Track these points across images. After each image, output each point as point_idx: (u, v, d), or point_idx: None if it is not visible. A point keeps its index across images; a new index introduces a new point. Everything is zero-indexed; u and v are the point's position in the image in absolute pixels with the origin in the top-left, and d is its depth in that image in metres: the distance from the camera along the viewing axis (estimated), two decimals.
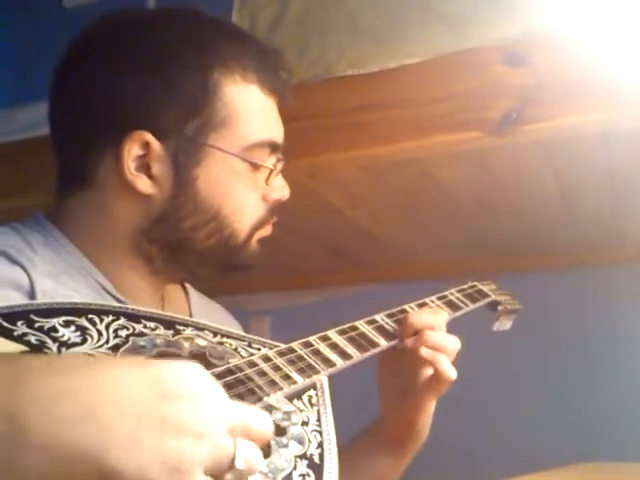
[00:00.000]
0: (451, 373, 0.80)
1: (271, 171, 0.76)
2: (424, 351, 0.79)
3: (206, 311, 0.87)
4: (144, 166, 0.71)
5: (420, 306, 0.86)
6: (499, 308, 0.98)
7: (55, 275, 0.68)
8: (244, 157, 0.73)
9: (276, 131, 0.77)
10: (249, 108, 0.73)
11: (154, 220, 0.72)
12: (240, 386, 0.60)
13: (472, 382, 1.54)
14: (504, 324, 1.00)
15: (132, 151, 0.70)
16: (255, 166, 0.74)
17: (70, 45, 0.75)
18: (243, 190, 0.74)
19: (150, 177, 0.71)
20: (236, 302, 1.78)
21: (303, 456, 0.58)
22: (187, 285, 0.88)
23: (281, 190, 0.79)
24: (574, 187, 1.23)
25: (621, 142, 1.04)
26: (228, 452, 0.44)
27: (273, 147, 0.76)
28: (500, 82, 0.97)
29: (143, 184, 0.71)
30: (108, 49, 0.73)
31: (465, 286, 0.97)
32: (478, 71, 0.98)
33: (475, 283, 0.99)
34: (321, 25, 1.10)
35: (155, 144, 0.70)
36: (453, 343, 0.81)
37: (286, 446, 0.58)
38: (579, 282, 1.53)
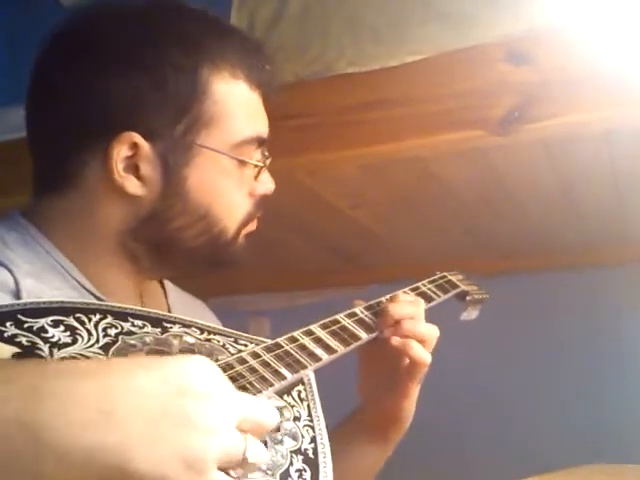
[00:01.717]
0: (423, 356, 0.80)
1: (260, 168, 0.75)
2: (394, 340, 0.80)
3: (184, 306, 0.86)
4: (132, 167, 0.70)
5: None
6: (467, 298, 0.98)
7: (36, 274, 0.67)
8: (233, 155, 0.73)
9: (262, 126, 0.76)
10: (237, 105, 0.73)
11: (142, 220, 0.72)
12: (232, 383, 0.60)
13: (478, 384, 1.53)
14: (471, 314, 1.01)
15: (120, 153, 0.69)
16: (243, 163, 0.74)
17: (53, 39, 0.73)
18: (232, 187, 0.74)
19: (139, 178, 0.70)
20: (235, 303, 1.78)
21: (298, 451, 0.58)
22: (165, 281, 0.87)
23: (266, 184, 0.78)
24: (577, 185, 1.22)
25: (625, 140, 1.03)
26: (240, 446, 0.45)
27: (260, 142, 0.76)
28: (503, 80, 0.96)
29: (132, 185, 0.70)
30: (93, 47, 0.71)
31: (436, 277, 0.97)
32: (481, 69, 0.97)
33: (445, 274, 0.99)
34: (321, 23, 1.10)
35: (144, 145, 0.69)
36: (430, 331, 0.82)
37: (281, 442, 0.58)
38: (585, 282, 1.53)
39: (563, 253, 1.57)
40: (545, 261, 1.59)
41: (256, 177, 0.76)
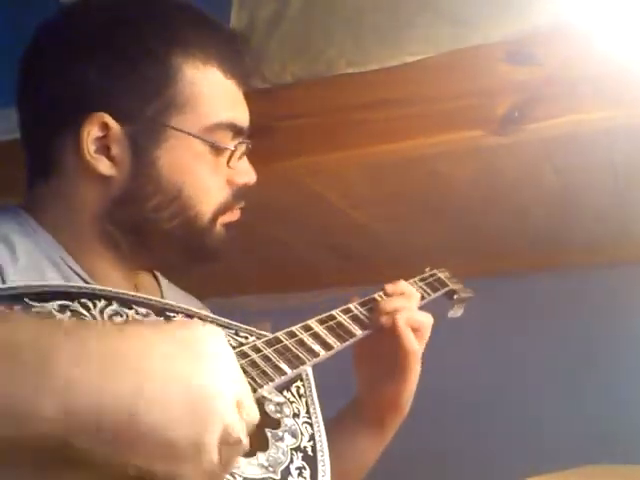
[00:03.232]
0: (412, 345, 0.81)
1: (232, 152, 0.76)
2: (396, 328, 0.81)
3: (177, 299, 0.86)
4: (104, 148, 0.71)
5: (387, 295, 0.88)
6: (455, 297, 1.00)
7: (34, 267, 0.68)
8: (205, 138, 0.73)
9: (238, 113, 0.77)
10: (209, 90, 0.74)
11: (115, 201, 0.72)
12: None
13: (477, 384, 1.53)
14: (457, 312, 1.02)
15: (91, 133, 0.70)
16: (216, 148, 0.74)
17: (35, 32, 0.75)
18: (205, 171, 0.74)
19: (110, 158, 0.71)
20: (236, 304, 1.77)
21: (297, 449, 0.59)
22: (160, 278, 0.88)
23: (247, 174, 0.79)
24: (577, 185, 1.22)
25: (625, 140, 1.03)
26: (238, 425, 0.46)
27: (236, 130, 0.76)
28: (503, 80, 0.96)
29: (103, 166, 0.71)
30: (66, 31, 0.73)
31: (426, 275, 0.98)
32: (481, 69, 0.97)
33: (435, 271, 1.00)
34: (322, 23, 1.10)
35: (114, 125, 0.70)
36: (424, 318, 0.84)
37: (282, 439, 0.59)
38: (585, 282, 1.52)
39: (563, 253, 1.57)
40: (545, 261, 1.59)
41: (228, 162, 0.76)
